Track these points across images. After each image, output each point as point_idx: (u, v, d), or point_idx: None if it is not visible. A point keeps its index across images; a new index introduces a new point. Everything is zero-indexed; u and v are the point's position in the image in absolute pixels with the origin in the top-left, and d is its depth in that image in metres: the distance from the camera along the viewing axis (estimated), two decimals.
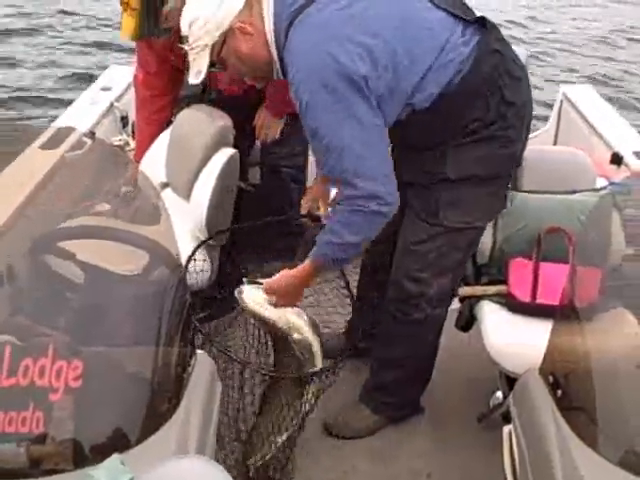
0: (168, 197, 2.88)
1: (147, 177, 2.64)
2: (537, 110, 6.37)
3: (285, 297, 2.33)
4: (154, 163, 3.01)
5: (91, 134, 3.54)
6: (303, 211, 2.65)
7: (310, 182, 3.61)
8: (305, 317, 2.35)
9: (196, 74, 2.21)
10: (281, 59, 2.19)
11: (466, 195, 2.42)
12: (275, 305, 2.31)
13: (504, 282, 2.70)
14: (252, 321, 2.55)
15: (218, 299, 2.91)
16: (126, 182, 2.72)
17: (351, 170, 2.13)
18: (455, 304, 2.84)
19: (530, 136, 4.56)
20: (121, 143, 3.77)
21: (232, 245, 2.95)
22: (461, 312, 2.82)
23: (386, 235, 2.75)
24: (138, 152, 3.35)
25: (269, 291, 2.32)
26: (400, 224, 2.60)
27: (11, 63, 7.92)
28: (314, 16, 2.11)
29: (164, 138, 3.06)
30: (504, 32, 2.42)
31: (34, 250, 2.08)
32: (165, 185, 2.99)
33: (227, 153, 2.77)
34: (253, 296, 2.30)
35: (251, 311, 2.31)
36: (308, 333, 2.32)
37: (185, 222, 2.75)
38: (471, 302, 2.77)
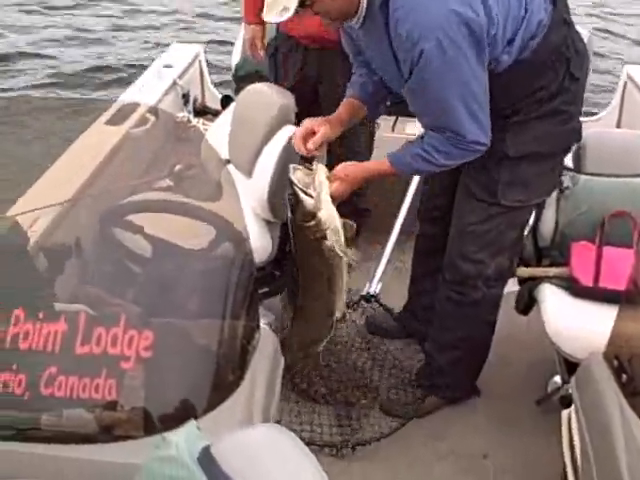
0: (230, 173, 2.91)
1: (212, 148, 2.68)
2: (599, 91, 6.34)
3: (347, 184, 2.26)
4: (216, 140, 3.04)
5: (154, 110, 3.59)
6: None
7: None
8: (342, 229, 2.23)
9: (282, 11, 2.09)
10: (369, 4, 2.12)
11: (525, 173, 2.40)
12: (333, 191, 2.19)
13: (565, 265, 2.68)
14: None
15: (278, 276, 2.95)
16: (189, 159, 2.76)
17: (459, 120, 2.12)
18: (514, 286, 2.83)
19: (593, 118, 4.61)
20: (183, 120, 3.82)
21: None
22: (520, 294, 2.80)
23: (437, 217, 2.77)
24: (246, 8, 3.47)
25: (336, 176, 2.25)
26: (451, 206, 2.60)
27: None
28: None
29: (226, 116, 3.09)
30: None
31: (102, 223, 2.13)
32: (227, 162, 3.02)
33: (289, 130, 2.78)
34: (304, 180, 2.14)
35: (299, 195, 2.13)
36: (342, 244, 2.21)
37: (246, 198, 2.77)
38: (531, 284, 2.74)
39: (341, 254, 2.19)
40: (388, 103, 4.14)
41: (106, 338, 1.56)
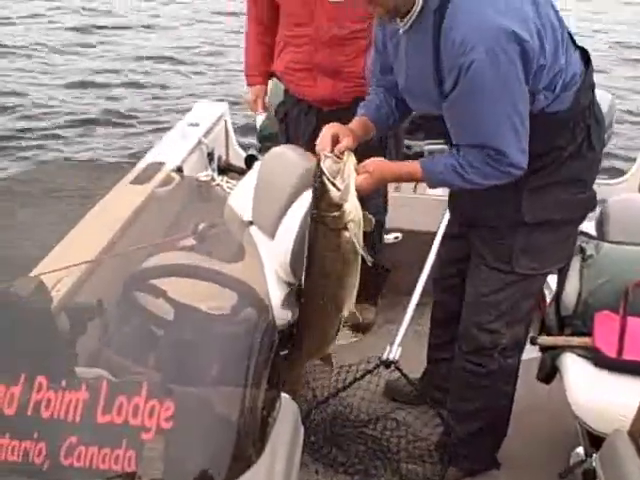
0: (253, 235, 2.93)
1: (234, 211, 2.69)
2: (622, 155, 6.36)
3: (374, 179, 2.21)
4: (240, 201, 3.06)
5: (179, 170, 3.63)
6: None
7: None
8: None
9: None
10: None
11: (540, 240, 2.40)
12: (358, 184, 2.15)
13: (589, 335, 2.65)
14: None
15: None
16: (212, 219, 2.78)
17: (503, 137, 2.11)
18: (535, 353, 2.80)
19: (615, 181, 4.60)
20: (207, 179, 3.86)
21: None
22: (543, 363, 2.77)
23: (452, 286, 2.75)
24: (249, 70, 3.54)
25: (365, 169, 2.21)
26: (465, 274, 2.59)
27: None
28: None
29: (251, 177, 3.12)
30: None
31: (126, 286, 2.14)
32: (250, 223, 3.04)
33: None
34: (333, 170, 2.11)
35: (326, 185, 2.09)
36: (361, 239, 2.16)
37: (269, 260, 2.78)
38: (553, 353, 2.71)
39: (358, 248, 2.15)
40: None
41: (127, 408, 1.56)
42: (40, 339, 1.84)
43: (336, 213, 2.09)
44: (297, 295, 2.48)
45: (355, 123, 2.38)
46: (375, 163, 2.24)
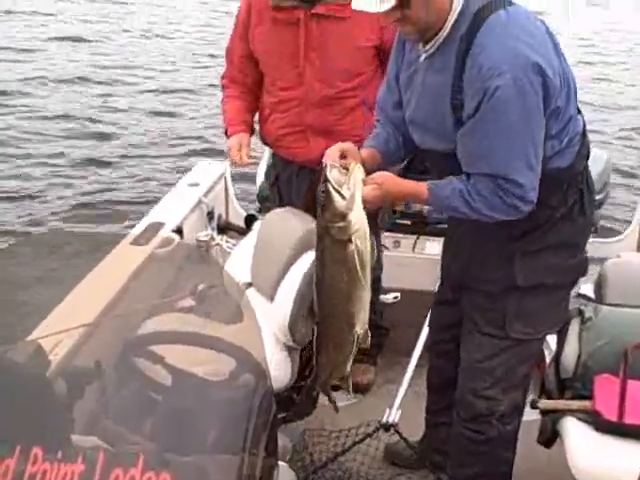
0: (251, 297, 2.93)
1: (231, 277, 2.70)
2: (619, 213, 6.40)
3: (381, 191, 2.19)
4: (240, 263, 3.08)
5: (178, 230, 3.65)
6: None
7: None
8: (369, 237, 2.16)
9: (382, 2, 2.04)
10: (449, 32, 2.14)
11: (533, 305, 2.41)
12: (365, 195, 2.12)
13: (589, 398, 2.63)
14: None
15: (297, 401, 2.92)
16: (210, 280, 2.79)
17: (517, 168, 2.11)
18: (536, 415, 2.78)
19: (612, 239, 4.62)
20: (207, 238, 3.87)
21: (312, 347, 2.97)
22: (543, 426, 2.75)
23: (447, 351, 2.74)
24: (230, 122, 3.35)
25: (372, 180, 2.18)
26: (459, 339, 2.59)
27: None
28: (512, 16, 2.10)
29: (251, 238, 3.14)
30: None
31: (124, 352, 2.14)
32: (249, 285, 3.05)
33: (313, 256, 2.80)
34: (339, 179, 2.08)
35: (331, 194, 2.05)
36: (369, 247, 2.12)
37: (267, 323, 2.78)
38: (554, 417, 2.69)
39: (365, 262, 2.12)
40: (407, 222, 4.21)
41: (123, 479, 1.54)
42: (36, 406, 1.83)
43: (341, 223, 2.06)
44: (310, 313, 2.46)
45: (363, 152, 2.38)
46: (384, 176, 2.23)
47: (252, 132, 3.40)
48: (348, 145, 2.27)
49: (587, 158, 2.35)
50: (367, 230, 2.12)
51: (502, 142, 2.10)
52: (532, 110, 2.08)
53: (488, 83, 2.04)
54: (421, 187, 2.25)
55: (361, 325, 2.23)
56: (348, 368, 2.36)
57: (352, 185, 2.08)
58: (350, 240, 2.08)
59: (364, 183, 2.14)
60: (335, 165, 2.11)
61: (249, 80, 3.34)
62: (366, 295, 2.19)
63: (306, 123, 3.19)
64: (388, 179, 2.24)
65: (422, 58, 2.24)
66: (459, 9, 2.13)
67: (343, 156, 2.21)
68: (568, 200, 2.31)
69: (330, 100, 3.15)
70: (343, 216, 2.06)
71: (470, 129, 2.13)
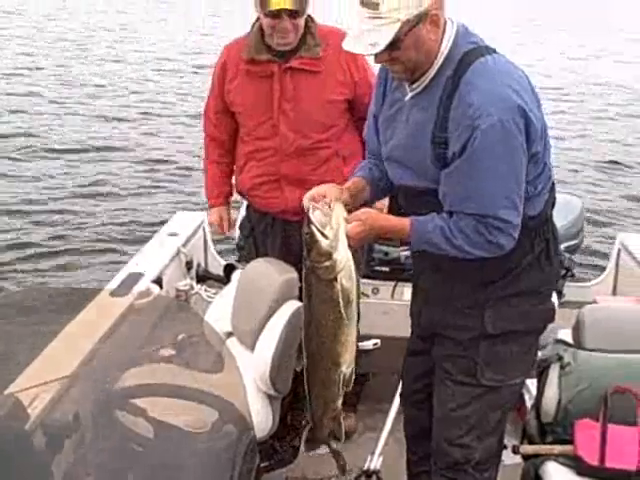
0: (232, 346, 2.92)
1: (211, 326, 2.70)
2: (594, 258, 6.49)
3: (365, 226, 2.19)
4: (220, 312, 3.08)
5: (158, 280, 3.65)
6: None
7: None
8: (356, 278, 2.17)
9: (372, 45, 2.06)
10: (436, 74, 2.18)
11: (504, 352, 2.41)
12: (349, 231, 2.13)
13: (570, 442, 2.65)
14: None
15: (279, 449, 2.91)
16: (190, 330, 2.78)
17: (501, 205, 2.14)
18: (517, 459, 2.78)
19: (589, 283, 4.67)
20: (186, 288, 3.88)
21: (294, 396, 2.96)
22: (525, 471, 2.75)
23: (420, 401, 2.74)
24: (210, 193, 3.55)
25: (356, 217, 2.18)
26: (431, 388, 2.58)
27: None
28: (498, 63, 2.17)
29: (231, 288, 3.14)
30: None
31: (105, 405, 2.12)
32: (230, 334, 3.04)
33: (293, 305, 2.82)
34: (322, 220, 2.10)
35: (315, 235, 2.08)
36: (355, 286, 2.14)
37: (248, 372, 2.77)
38: (536, 462, 2.71)
39: (350, 300, 2.13)
40: (386, 269, 4.24)
41: None
42: (16, 461, 1.80)
43: (327, 263, 2.08)
44: (299, 356, 2.45)
45: (349, 183, 2.41)
46: (367, 212, 2.24)
47: (231, 196, 3.59)
48: (328, 185, 2.29)
49: (553, 207, 2.40)
50: (352, 268, 2.14)
51: (489, 183, 2.14)
52: (517, 150, 2.12)
53: (477, 122, 2.08)
54: (404, 222, 2.26)
55: (347, 365, 2.23)
56: (338, 407, 2.35)
57: (334, 224, 2.11)
58: (335, 279, 2.10)
59: (347, 221, 2.17)
60: (317, 206, 2.13)
61: (225, 137, 3.43)
62: (352, 334, 2.20)
63: (281, 173, 3.24)
64: (371, 215, 2.26)
65: (408, 97, 2.28)
66: (447, 52, 2.18)
67: (323, 196, 2.23)
68: (535, 248, 2.34)
69: (304, 151, 3.20)
70: (328, 255, 2.08)
71: (456, 168, 2.16)
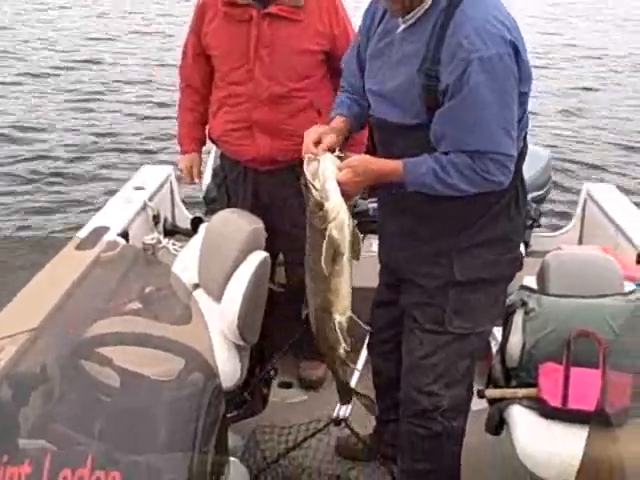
0: (199, 298, 2.92)
1: (178, 278, 2.69)
2: (561, 208, 6.54)
3: (356, 173, 2.22)
4: (186, 264, 3.07)
5: (124, 234, 3.62)
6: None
7: None
8: (352, 226, 2.22)
9: None
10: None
11: (472, 300, 2.44)
12: (342, 180, 2.18)
13: (534, 386, 2.69)
14: None
15: (247, 399, 2.93)
16: (158, 283, 2.77)
17: (501, 141, 2.15)
18: (483, 404, 2.83)
19: (555, 233, 4.71)
20: (153, 242, 3.85)
21: (262, 345, 2.98)
22: (490, 415, 2.80)
23: (388, 351, 2.77)
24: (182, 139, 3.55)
25: (347, 164, 2.22)
26: (399, 338, 2.61)
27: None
28: None
29: (197, 240, 3.13)
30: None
31: (72, 355, 2.11)
32: (196, 286, 3.04)
33: (259, 256, 2.82)
34: (316, 169, 2.17)
35: (311, 182, 2.16)
36: (347, 237, 2.21)
37: (216, 322, 2.78)
38: (500, 405, 2.75)
39: (340, 251, 2.19)
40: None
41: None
42: None
43: (320, 213, 2.15)
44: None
45: (337, 122, 2.43)
46: (359, 159, 2.26)
47: (204, 145, 3.56)
48: (320, 129, 2.32)
49: (524, 158, 2.40)
50: (345, 220, 2.18)
51: (487, 117, 2.14)
52: (512, 84, 2.14)
53: (473, 55, 2.08)
54: (396, 164, 2.26)
55: (340, 313, 2.29)
56: (341, 351, 2.41)
57: (321, 175, 2.15)
58: (326, 229, 2.16)
59: (340, 169, 2.20)
60: (312, 157, 2.18)
61: (199, 83, 3.40)
62: (342, 284, 2.26)
63: (253, 119, 3.20)
64: (364, 160, 2.28)
65: (400, 29, 2.26)
66: None
67: (318, 141, 2.26)
68: (505, 196, 2.35)
69: (278, 98, 3.16)
70: (320, 205, 2.14)
71: (452, 106, 2.15)
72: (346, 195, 2.22)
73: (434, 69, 2.16)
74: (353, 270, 2.31)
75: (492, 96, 2.12)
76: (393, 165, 2.27)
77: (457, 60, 2.11)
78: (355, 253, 2.26)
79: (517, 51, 2.13)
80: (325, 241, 2.18)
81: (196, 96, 3.44)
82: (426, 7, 2.20)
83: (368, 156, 2.33)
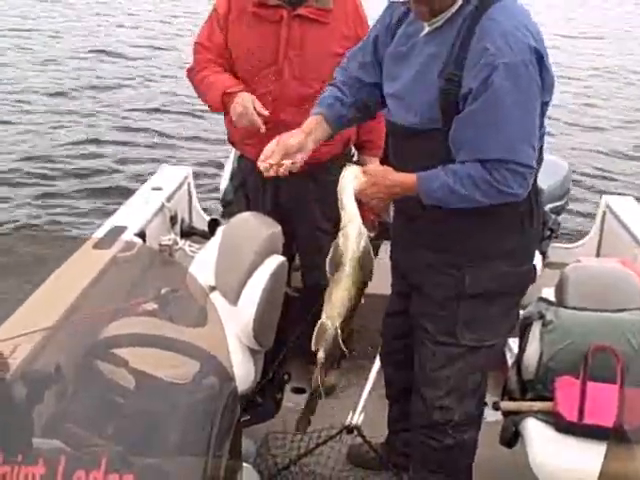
0: (215, 300, 2.91)
1: (195, 279, 2.69)
2: (579, 220, 6.50)
3: (371, 187, 2.24)
4: (203, 266, 3.06)
5: (141, 234, 3.62)
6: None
7: None
8: (363, 241, 2.23)
9: None
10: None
11: (483, 312, 2.42)
12: (357, 188, 2.22)
13: (550, 399, 2.67)
14: None
15: (261, 403, 2.92)
16: (174, 284, 2.77)
17: (520, 151, 2.13)
18: (498, 415, 2.81)
19: (573, 245, 4.68)
20: (170, 243, 3.85)
21: (277, 350, 2.96)
22: (505, 427, 2.77)
23: (400, 361, 2.75)
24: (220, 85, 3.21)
25: (367, 171, 2.26)
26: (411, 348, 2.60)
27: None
28: (519, 6, 2.19)
29: (214, 242, 3.12)
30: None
31: (87, 355, 2.11)
32: (213, 288, 3.03)
33: (277, 260, 2.81)
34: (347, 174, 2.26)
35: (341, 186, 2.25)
36: (351, 248, 2.22)
37: (231, 326, 2.77)
38: (516, 418, 2.72)
39: (342, 261, 2.22)
40: None
41: None
42: None
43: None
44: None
45: (306, 123, 2.43)
46: (373, 168, 2.31)
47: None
48: (290, 137, 2.37)
49: (539, 169, 2.38)
50: (353, 233, 2.20)
51: (509, 125, 2.11)
52: (535, 93, 2.12)
53: (498, 61, 2.06)
54: (411, 183, 2.24)
55: (328, 317, 2.29)
56: (320, 354, 2.38)
57: (340, 188, 2.23)
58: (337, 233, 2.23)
59: (357, 178, 2.25)
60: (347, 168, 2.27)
61: (221, 61, 3.26)
62: (337, 292, 2.26)
63: (279, 119, 3.12)
64: (379, 169, 2.31)
65: (424, 32, 2.24)
66: None
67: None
68: (519, 208, 2.32)
69: (305, 99, 3.11)
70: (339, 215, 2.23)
71: (472, 112, 2.12)
72: (366, 205, 2.28)
73: (456, 74, 2.14)
74: (360, 288, 2.30)
75: (515, 103, 2.10)
76: (407, 178, 2.25)
77: (482, 65, 2.09)
78: (363, 272, 2.26)
79: (542, 59, 2.12)
80: (332, 248, 2.23)
81: (219, 68, 3.25)
82: (453, 11, 2.18)
83: (383, 167, 2.34)
